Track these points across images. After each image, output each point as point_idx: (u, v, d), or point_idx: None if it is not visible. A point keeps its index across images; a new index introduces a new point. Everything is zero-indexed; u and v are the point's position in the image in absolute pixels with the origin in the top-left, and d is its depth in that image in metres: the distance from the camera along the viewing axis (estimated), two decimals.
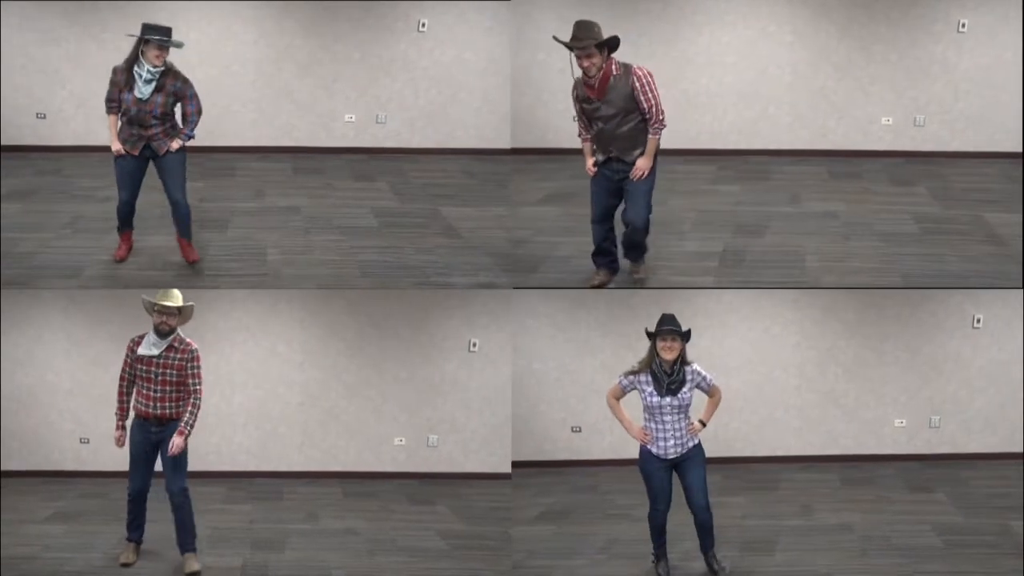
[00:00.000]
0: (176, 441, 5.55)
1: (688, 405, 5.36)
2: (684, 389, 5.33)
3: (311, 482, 7.52)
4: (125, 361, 5.66)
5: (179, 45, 5.98)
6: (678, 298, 7.52)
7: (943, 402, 7.65)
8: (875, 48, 8.34)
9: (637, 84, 5.58)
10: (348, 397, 7.67)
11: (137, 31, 5.95)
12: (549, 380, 7.68)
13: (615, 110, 5.62)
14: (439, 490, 7.34)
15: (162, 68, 5.92)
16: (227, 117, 8.43)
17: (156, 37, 5.87)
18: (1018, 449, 7.58)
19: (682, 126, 8.47)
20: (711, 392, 5.45)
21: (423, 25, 8.52)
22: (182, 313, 5.61)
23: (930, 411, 7.66)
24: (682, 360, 5.34)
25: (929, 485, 7.07)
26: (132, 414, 5.71)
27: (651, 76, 5.64)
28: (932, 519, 6.42)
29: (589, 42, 5.46)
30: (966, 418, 7.65)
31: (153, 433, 5.62)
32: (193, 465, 7.52)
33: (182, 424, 5.57)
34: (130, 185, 6.17)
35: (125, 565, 5.77)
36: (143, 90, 5.92)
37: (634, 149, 5.73)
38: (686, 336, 5.34)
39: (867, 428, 7.65)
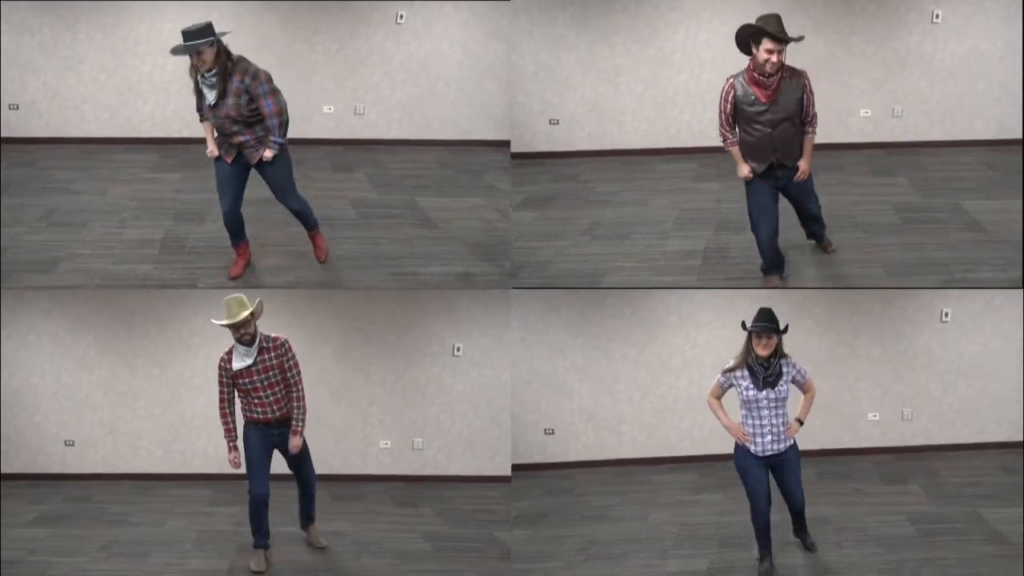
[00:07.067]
0: (294, 441, 5.62)
1: (785, 399, 5.26)
2: (781, 382, 5.24)
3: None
4: (220, 382, 5.53)
5: (201, 44, 5.31)
6: (650, 297, 7.58)
7: (915, 396, 7.72)
8: (852, 40, 8.36)
9: (808, 88, 5.34)
10: (334, 400, 7.69)
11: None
12: (519, 383, 7.71)
13: (785, 115, 5.31)
14: (424, 493, 7.36)
15: (215, 70, 5.38)
16: None
17: (180, 46, 5.33)
18: (988, 439, 7.67)
19: (662, 124, 8.49)
20: (805, 387, 5.41)
21: (401, 17, 8.53)
22: (254, 316, 5.47)
23: (902, 405, 7.72)
24: (779, 354, 5.25)
25: (903, 477, 7.15)
26: (242, 424, 5.66)
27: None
28: (906, 509, 6.50)
29: (789, 39, 5.09)
30: (937, 411, 7.72)
31: (274, 436, 5.62)
32: (180, 468, 7.71)
33: (294, 424, 5.60)
34: (228, 192, 5.79)
35: (257, 573, 5.72)
36: (210, 96, 5.44)
37: (795, 153, 5.48)
38: (783, 331, 5.24)
39: (842, 423, 7.71)
